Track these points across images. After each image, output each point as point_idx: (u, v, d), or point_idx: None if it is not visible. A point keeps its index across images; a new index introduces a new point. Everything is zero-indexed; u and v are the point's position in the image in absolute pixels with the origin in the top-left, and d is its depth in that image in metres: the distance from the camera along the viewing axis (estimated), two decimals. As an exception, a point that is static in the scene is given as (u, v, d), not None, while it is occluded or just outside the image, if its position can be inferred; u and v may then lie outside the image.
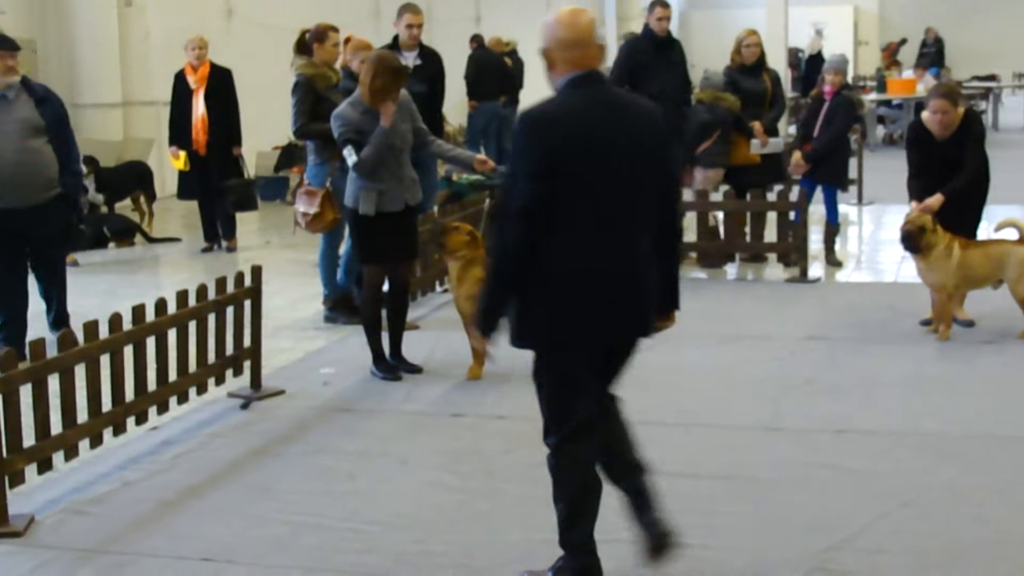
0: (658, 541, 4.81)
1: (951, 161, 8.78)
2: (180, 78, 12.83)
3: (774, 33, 21.32)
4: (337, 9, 15.84)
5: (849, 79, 27.79)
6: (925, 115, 9.01)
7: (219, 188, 12.68)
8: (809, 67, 24.24)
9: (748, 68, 11.61)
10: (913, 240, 8.63)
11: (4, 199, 8.33)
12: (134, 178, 14.35)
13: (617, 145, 4.55)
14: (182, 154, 12.78)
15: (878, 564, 5.12)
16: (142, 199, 14.49)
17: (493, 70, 17.96)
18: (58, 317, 8.95)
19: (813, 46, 24.17)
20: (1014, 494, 5.87)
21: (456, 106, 19.11)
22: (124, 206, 14.84)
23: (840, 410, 7.16)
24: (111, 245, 13.38)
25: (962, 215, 8.76)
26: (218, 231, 13.09)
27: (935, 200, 8.70)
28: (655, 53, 11.32)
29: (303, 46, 9.82)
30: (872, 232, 14.30)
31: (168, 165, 14.04)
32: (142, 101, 16.20)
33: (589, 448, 4.79)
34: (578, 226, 4.52)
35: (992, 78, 28.41)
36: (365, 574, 5.15)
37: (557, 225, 4.50)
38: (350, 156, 7.69)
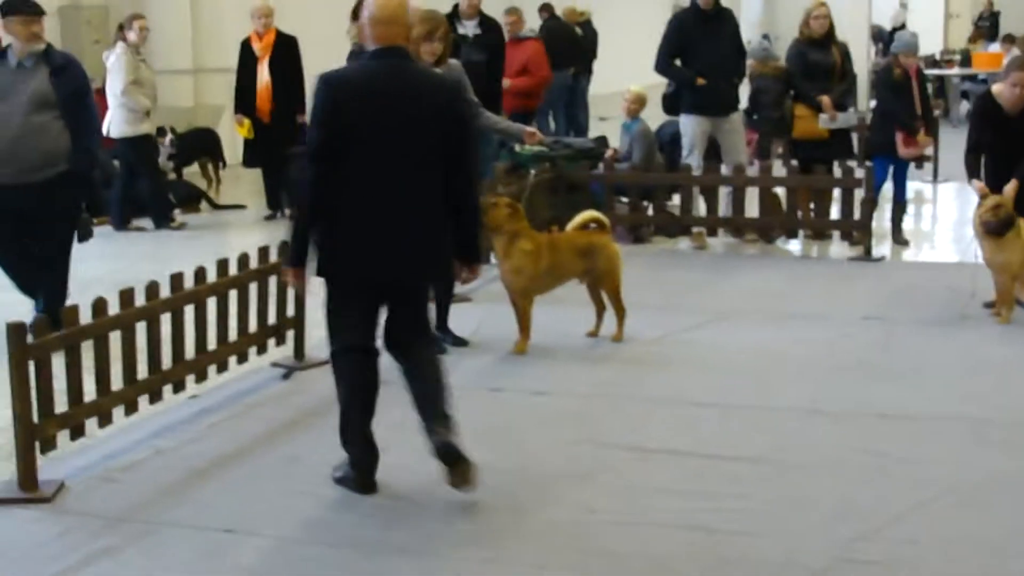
0: (454, 481, 5.43)
1: (1015, 138, 8.55)
2: (246, 46, 12.84)
3: (857, 5, 20.96)
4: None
5: (937, 54, 27.38)
6: (997, 88, 8.82)
7: (283, 156, 12.67)
8: (892, 41, 23.80)
9: (817, 40, 11.37)
10: (1011, 225, 8.39)
11: (1, 175, 7.81)
12: (201, 145, 14.42)
13: (397, 110, 5.30)
14: (247, 122, 12.81)
15: (906, 555, 4.97)
16: (210, 166, 14.56)
17: (563, 40, 17.75)
18: (47, 311, 7.34)
19: (896, 19, 23.71)
20: (1058, 484, 5.70)
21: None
22: (194, 172, 14.95)
23: (886, 393, 7.00)
24: (177, 212, 13.42)
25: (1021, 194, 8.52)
26: (281, 199, 13.10)
27: (1011, 188, 8.49)
28: (703, 26, 11.08)
29: (358, 14, 9.75)
30: (945, 211, 13.99)
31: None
32: (214, 68, 16.24)
33: (352, 366, 5.56)
34: (356, 177, 5.30)
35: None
36: (383, 551, 5.10)
37: (341, 174, 5.28)
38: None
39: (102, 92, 14.04)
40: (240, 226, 13.01)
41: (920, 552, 5.00)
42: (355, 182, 5.32)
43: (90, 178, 8.29)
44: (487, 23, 10.45)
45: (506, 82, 12.22)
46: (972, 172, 8.71)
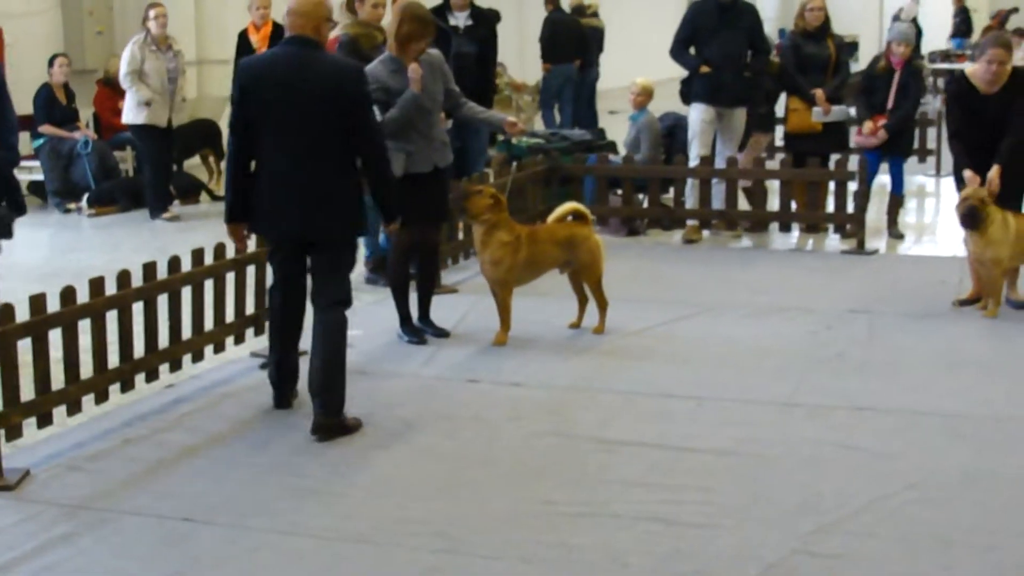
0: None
1: (993, 119, 8.51)
2: (243, 37, 12.81)
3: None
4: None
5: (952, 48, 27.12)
6: (972, 68, 8.78)
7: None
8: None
9: (811, 33, 11.26)
10: (976, 216, 8.33)
11: None
12: (201, 136, 14.43)
13: (295, 91, 6.08)
14: (245, 113, 12.79)
15: (865, 549, 4.94)
16: (211, 157, 14.57)
17: (568, 33, 17.70)
18: None
19: (909, 12, 23.50)
20: (1026, 480, 5.65)
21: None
22: (195, 164, 14.97)
23: (864, 387, 6.95)
24: (176, 203, 13.43)
25: (1009, 189, 8.45)
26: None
27: (994, 173, 8.43)
28: (719, 16, 11.00)
29: (352, 5, 9.76)
30: (945, 205, 13.87)
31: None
32: (216, 59, 16.24)
33: (280, 300, 6.52)
34: (264, 147, 6.18)
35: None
36: (340, 539, 5.09)
37: (256, 145, 6.18)
38: (376, 116, 7.58)
39: (103, 83, 14.18)
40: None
41: (879, 546, 4.96)
42: (265, 152, 6.19)
43: (11, 177, 7.82)
44: (479, 14, 10.40)
45: None
46: (960, 160, 8.65)
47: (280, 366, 6.64)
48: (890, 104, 10.77)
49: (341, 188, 6.21)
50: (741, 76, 11.07)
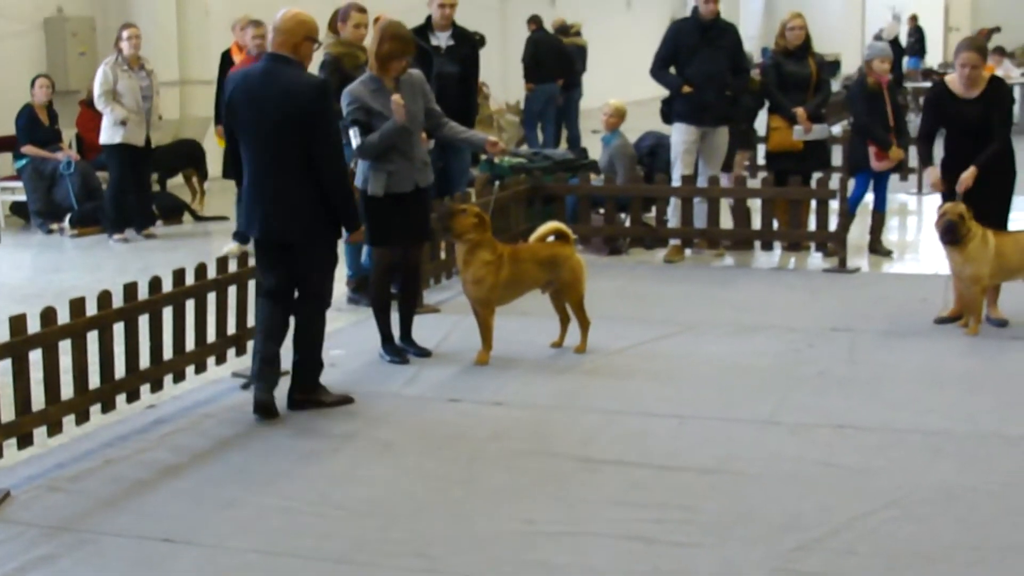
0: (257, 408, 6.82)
1: (972, 124, 8.61)
2: (226, 57, 12.81)
3: (850, 16, 20.94)
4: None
5: (935, 66, 27.34)
6: (950, 77, 8.90)
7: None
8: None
9: (792, 52, 11.30)
10: (955, 231, 8.36)
11: None
12: (184, 156, 14.42)
13: (265, 103, 6.59)
14: (228, 132, 12.79)
15: (845, 566, 4.94)
16: (194, 178, 14.56)
17: (551, 52, 17.77)
18: None
19: (890, 31, 23.65)
20: (1008, 497, 5.65)
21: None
22: (179, 184, 14.96)
23: (845, 404, 6.96)
24: (159, 223, 13.42)
25: (990, 206, 8.51)
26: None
27: (969, 174, 8.50)
28: (700, 36, 11.03)
29: (335, 25, 9.77)
30: (927, 223, 13.92)
31: (228, 144, 14.04)
32: (200, 80, 16.24)
33: (268, 307, 6.83)
34: (245, 155, 6.77)
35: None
36: (321, 559, 5.08)
37: (241, 152, 6.81)
38: (355, 138, 7.60)
39: (86, 103, 14.16)
40: (220, 237, 12.96)
41: (860, 563, 4.97)
42: (245, 159, 6.78)
43: None
44: (460, 34, 10.40)
45: None
46: (925, 160, 8.84)
47: (263, 364, 6.81)
48: (891, 122, 10.83)
49: (308, 196, 6.65)
50: (723, 95, 11.09)
